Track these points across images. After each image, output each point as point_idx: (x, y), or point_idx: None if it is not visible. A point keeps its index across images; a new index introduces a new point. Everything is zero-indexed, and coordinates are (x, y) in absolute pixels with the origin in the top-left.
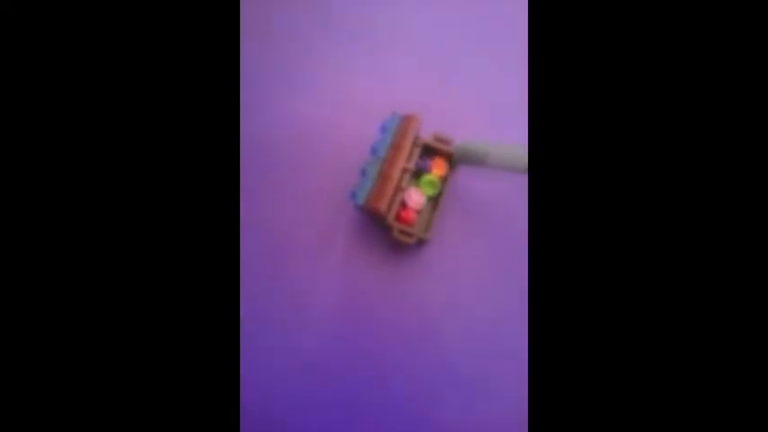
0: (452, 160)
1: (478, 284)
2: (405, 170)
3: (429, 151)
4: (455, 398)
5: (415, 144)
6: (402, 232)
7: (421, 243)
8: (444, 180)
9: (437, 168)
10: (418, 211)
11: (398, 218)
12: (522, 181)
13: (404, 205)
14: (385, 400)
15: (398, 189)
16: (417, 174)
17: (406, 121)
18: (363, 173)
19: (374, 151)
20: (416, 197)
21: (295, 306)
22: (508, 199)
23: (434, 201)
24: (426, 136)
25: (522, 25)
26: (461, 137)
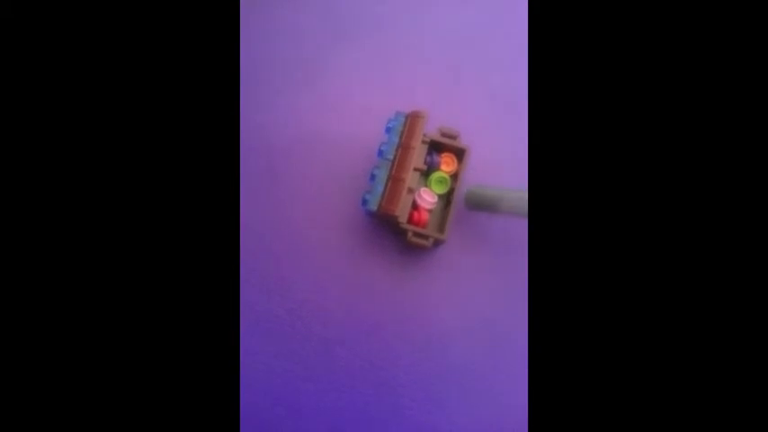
0: (464, 205)
1: (488, 288)
2: (415, 170)
3: (436, 147)
4: (458, 403)
5: (422, 141)
6: (417, 235)
7: (437, 244)
8: (455, 176)
9: (446, 165)
10: (430, 211)
11: (411, 220)
12: None
13: (415, 206)
14: (386, 406)
15: (409, 191)
16: (426, 172)
17: (412, 119)
18: (372, 177)
19: (381, 154)
20: (428, 197)
21: (296, 311)
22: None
23: (446, 198)
24: (431, 132)
25: (525, 20)
26: (466, 131)
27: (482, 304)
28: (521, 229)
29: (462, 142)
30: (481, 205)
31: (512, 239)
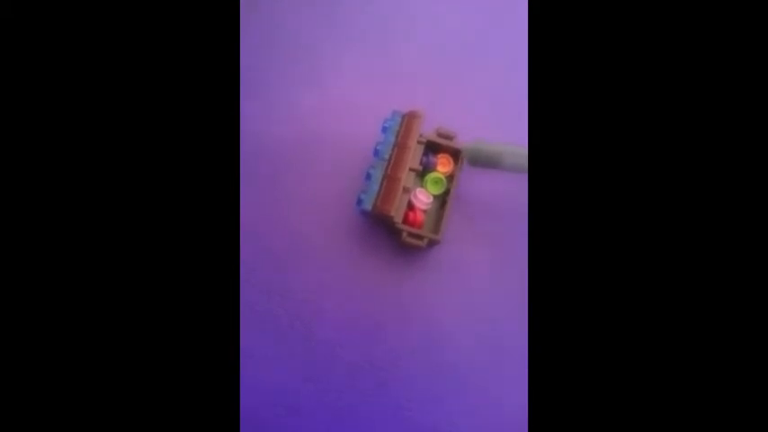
0: (465, 161)
1: (487, 288)
2: (410, 170)
3: (432, 147)
4: (458, 403)
5: (418, 142)
6: (411, 235)
7: (432, 244)
8: (451, 177)
9: (442, 165)
10: (426, 212)
11: (406, 220)
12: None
13: (411, 207)
14: (386, 406)
15: (405, 190)
16: (421, 172)
17: (409, 119)
18: (368, 176)
19: (377, 153)
20: (423, 197)
21: (296, 312)
22: (520, 197)
23: (442, 199)
24: (428, 132)
25: (524, 20)
26: (465, 132)
27: (482, 304)
28: (521, 228)
29: (460, 143)
30: (481, 161)
31: (511, 239)
